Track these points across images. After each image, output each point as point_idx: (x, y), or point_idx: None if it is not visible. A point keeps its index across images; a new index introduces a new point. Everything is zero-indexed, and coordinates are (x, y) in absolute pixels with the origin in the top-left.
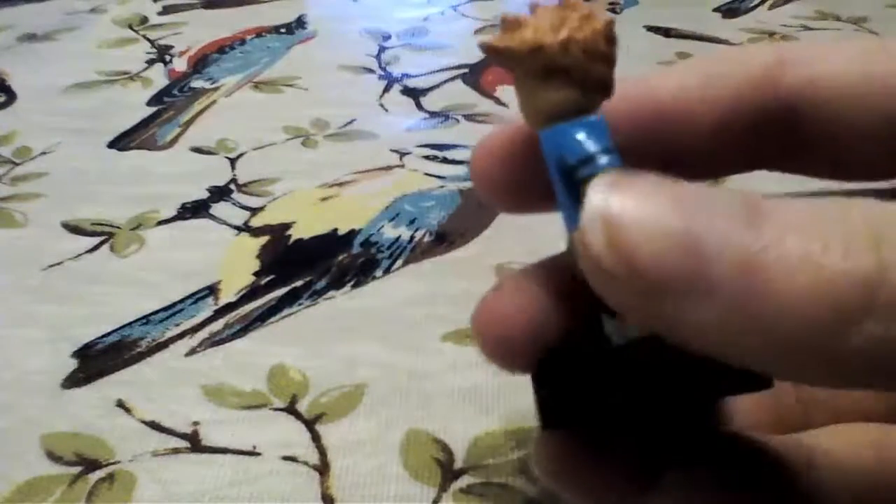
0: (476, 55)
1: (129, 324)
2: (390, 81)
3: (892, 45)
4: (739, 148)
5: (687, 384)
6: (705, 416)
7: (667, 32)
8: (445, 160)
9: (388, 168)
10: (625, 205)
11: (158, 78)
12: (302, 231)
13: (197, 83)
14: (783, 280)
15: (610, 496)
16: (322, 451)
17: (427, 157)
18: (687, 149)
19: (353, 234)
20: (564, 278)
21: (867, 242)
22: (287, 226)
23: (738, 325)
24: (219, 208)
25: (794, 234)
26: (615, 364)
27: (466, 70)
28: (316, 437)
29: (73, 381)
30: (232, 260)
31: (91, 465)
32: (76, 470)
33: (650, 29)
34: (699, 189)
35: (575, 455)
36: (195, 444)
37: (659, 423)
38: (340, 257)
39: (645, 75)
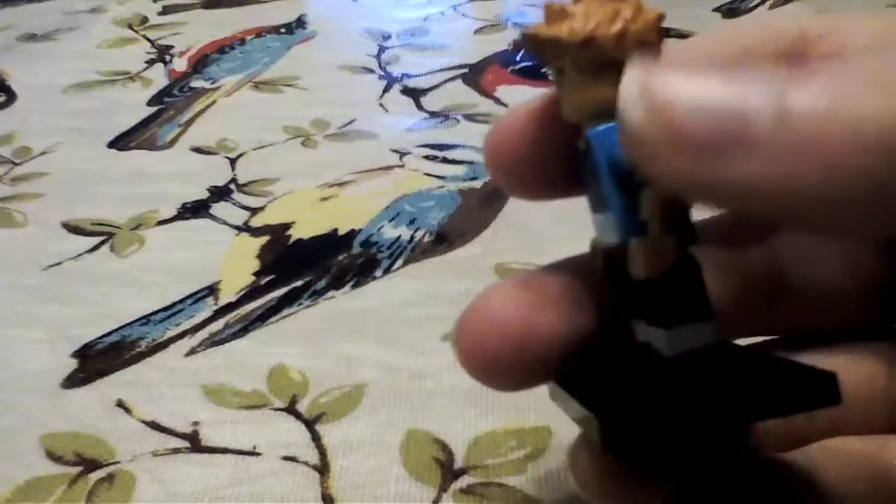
0: (476, 55)
1: (129, 324)
2: (390, 81)
3: None
4: None
5: (746, 399)
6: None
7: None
8: (445, 160)
9: (388, 168)
10: (664, 73)
11: (158, 78)
12: (302, 231)
13: (197, 83)
14: (825, 119)
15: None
16: (322, 451)
17: (427, 157)
18: None
19: (353, 234)
20: (575, 283)
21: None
22: (287, 226)
23: (786, 171)
24: (219, 208)
25: (830, 79)
26: (674, 377)
27: (466, 70)
28: (316, 437)
29: (73, 381)
30: (232, 260)
31: (91, 465)
32: (76, 470)
33: None
34: (734, 66)
35: (616, 469)
36: (195, 444)
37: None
38: (340, 257)
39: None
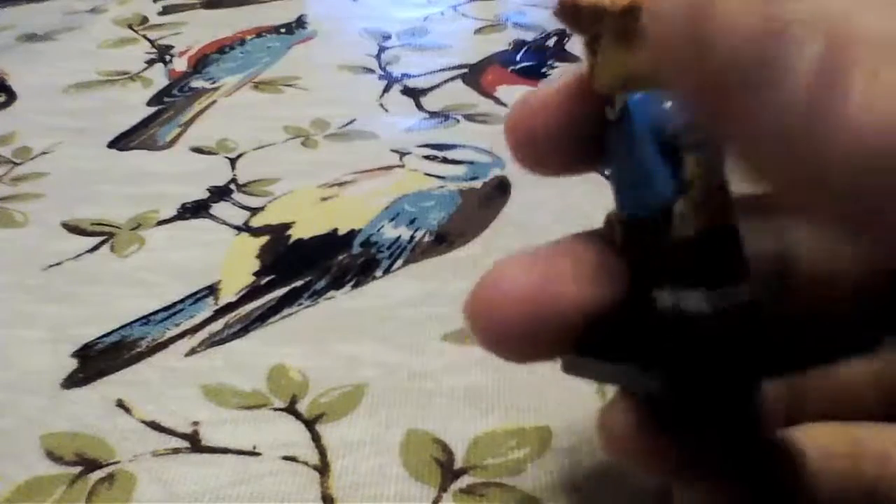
0: (476, 55)
1: (129, 324)
2: (390, 81)
3: None
4: None
5: (776, 355)
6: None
7: None
8: (445, 160)
9: (388, 168)
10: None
11: (158, 78)
12: (302, 231)
13: (197, 83)
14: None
15: (673, 469)
16: (322, 451)
17: (427, 157)
18: None
19: (353, 234)
20: (588, 256)
21: None
22: (287, 226)
23: (826, 107)
24: (219, 208)
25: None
26: (715, 332)
27: (466, 70)
28: (316, 437)
29: (73, 381)
30: (232, 260)
31: (91, 465)
32: (76, 470)
33: None
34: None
35: (643, 430)
36: (195, 444)
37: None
38: (340, 257)
39: None
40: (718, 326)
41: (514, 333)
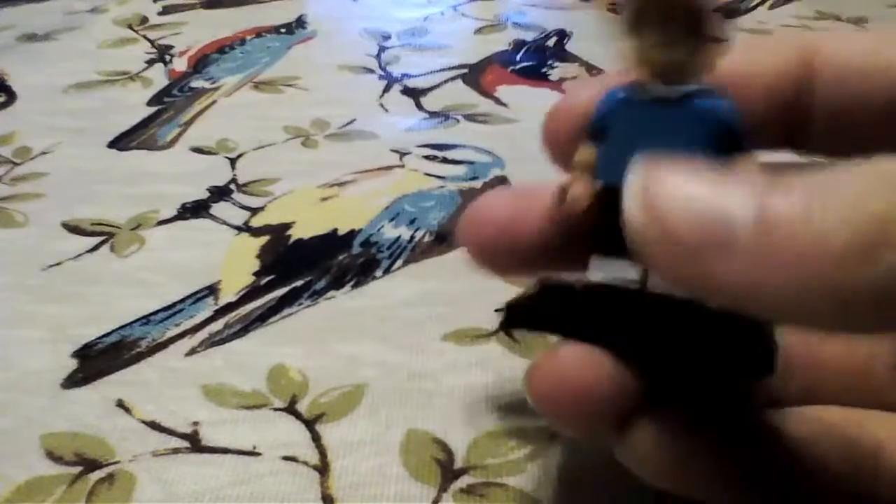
0: (476, 55)
1: (129, 324)
2: (390, 81)
3: None
4: (774, 128)
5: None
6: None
7: None
8: (445, 160)
9: (388, 168)
10: (662, 177)
11: (158, 78)
12: (302, 231)
13: (197, 83)
14: (799, 229)
15: (599, 428)
16: (322, 451)
17: (427, 157)
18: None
19: (353, 234)
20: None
21: (879, 188)
22: (287, 226)
23: (762, 275)
24: (219, 208)
25: (808, 191)
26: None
27: (466, 70)
28: (316, 437)
29: (73, 381)
30: (232, 260)
31: (91, 465)
32: (76, 470)
33: None
34: (721, 165)
35: (571, 384)
36: (195, 444)
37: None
38: (340, 257)
39: None
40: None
41: (492, 250)
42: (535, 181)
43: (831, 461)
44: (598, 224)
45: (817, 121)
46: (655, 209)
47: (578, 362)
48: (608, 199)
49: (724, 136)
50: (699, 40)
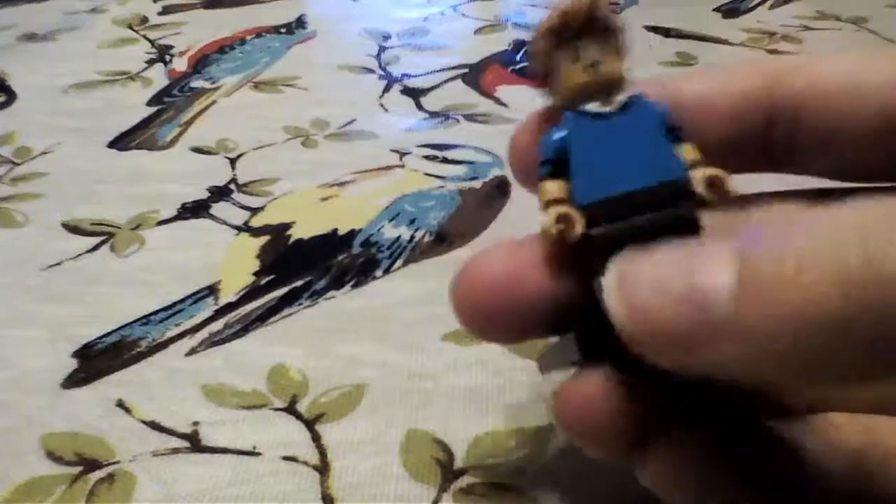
0: (476, 55)
1: (129, 324)
2: (390, 81)
3: (880, 54)
4: (747, 151)
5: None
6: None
7: (667, 32)
8: (445, 160)
9: (388, 168)
10: (634, 270)
11: (158, 78)
12: (302, 231)
13: (197, 83)
14: (779, 296)
15: (619, 449)
16: (322, 451)
17: (427, 157)
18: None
19: (353, 234)
20: (563, 249)
21: (853, 242)
22: (287, 226)
23: (751, 349)
24: (219, 208)
25: (782, 248)
26: None
27: (466, 70)
28: (316, 437)
29: (73, 381)
30: (232, 260)
31: (91, 465)
32: (76, 470)
33: (650, 29)
34: (692, 248)
35: (596, 405)
36: (195, 444)
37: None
38: (340, 257)
39: (659, 79)
40: None
41: (489, 315)
42: (523, 236)
43: (841, 470)
44: (597, 241)
45: (801, 143)
46: (634, 305)
47: (604, 386)
48: (599, 215)
49: (669, 131)
50: (617, 49)
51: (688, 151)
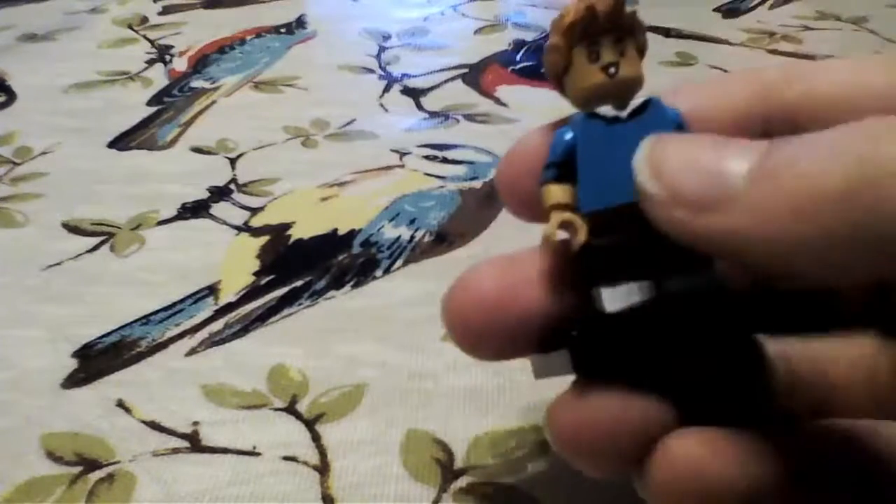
0: (476, 55)
1: (129, 324)
2: (390, 81)
3: (874, 61)
4: None
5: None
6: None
7: (667, 32)
8: (445, 160)
9: (388, 168)
10: (664, 146)
11: (158, 78)
12: (302, 231)
13: (197, 83)
14: (792, 175)
15: (617, 467)
16: (322, 451)
17: (427, 157)
18: None
19: (353, 234)
20: (554, 263)
21: (862, 136)
22: (287, 226)
23: (759, 223)
24: (219, 208)
25: (799, 143)
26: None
27: (466, 70)
28: (316, 437)
29: (73, 381)
30: (232, 260)
31: (91, 465)
32: (76, 470)
33: (650, 29)
34: (721, 138)
35: (592, 428)
36: (195, 444)
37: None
38: (340, 257)
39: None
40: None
41: (480, 337)
42: (515, 249)
43: (846, 470)
44: (598, 252)
45: None
46: (661, 171)
47: (601, 407)
48: (604, 223)
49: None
50: (637, 51)
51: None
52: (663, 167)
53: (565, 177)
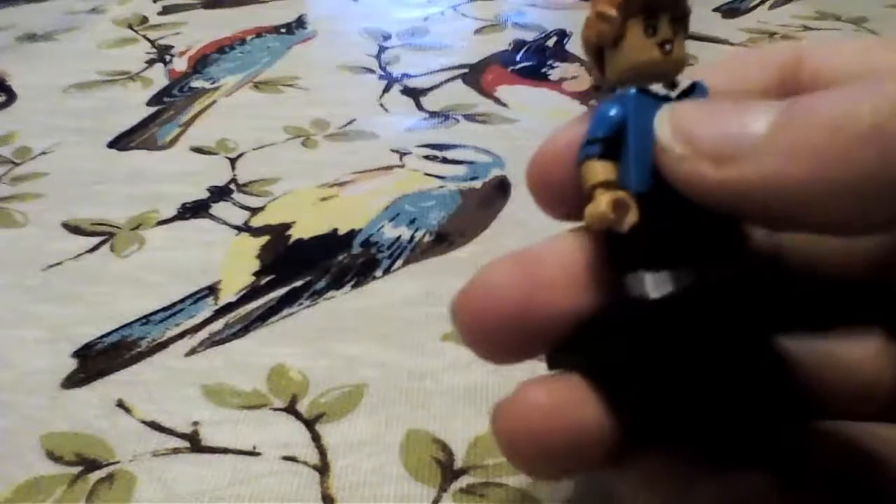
0: (476, 55)
1: (129, 324)
2: (390, 81)
3: (882, 43)
4: None
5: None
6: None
7: None
8: (445, 160)
9: (388, 168)
10: (686, 106)
11: (158, 78)
12: (302, 231)
13: (197, 83)
14: (815, 116)
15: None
16: (322, 451)
17: (427, 157)
18: None
19: (353, 234)
20: (573, 259)
21: (889, 77)
22: (287, 226)
23: (781, 170)
24: (219, 208)
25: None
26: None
27: (466, 70)
28: (316, 437)
29: (73, 381)
30: (232, 260)
31: (91, 465)
32: (76, 470)
33: None
34: (741, 99)
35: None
36: (195, 444)
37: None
38: (340, 257)
39: None
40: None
41: (499, 340)
42: (531, 245)
43: (853, 473)
44: (642, 235)
45: None
46: (682, 125)
47: (551, 406)
48: (651, 203)
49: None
50: (685, 31)
51: None
52: (684, 122)
53: (607, 154)
